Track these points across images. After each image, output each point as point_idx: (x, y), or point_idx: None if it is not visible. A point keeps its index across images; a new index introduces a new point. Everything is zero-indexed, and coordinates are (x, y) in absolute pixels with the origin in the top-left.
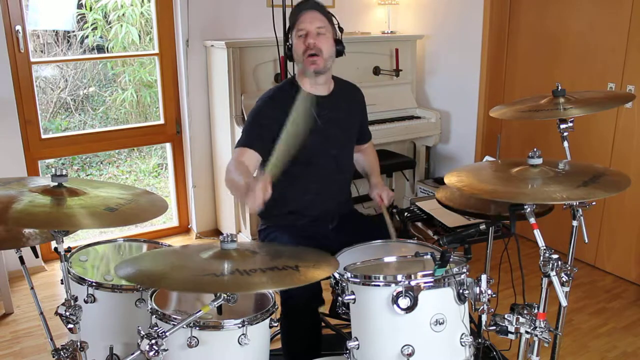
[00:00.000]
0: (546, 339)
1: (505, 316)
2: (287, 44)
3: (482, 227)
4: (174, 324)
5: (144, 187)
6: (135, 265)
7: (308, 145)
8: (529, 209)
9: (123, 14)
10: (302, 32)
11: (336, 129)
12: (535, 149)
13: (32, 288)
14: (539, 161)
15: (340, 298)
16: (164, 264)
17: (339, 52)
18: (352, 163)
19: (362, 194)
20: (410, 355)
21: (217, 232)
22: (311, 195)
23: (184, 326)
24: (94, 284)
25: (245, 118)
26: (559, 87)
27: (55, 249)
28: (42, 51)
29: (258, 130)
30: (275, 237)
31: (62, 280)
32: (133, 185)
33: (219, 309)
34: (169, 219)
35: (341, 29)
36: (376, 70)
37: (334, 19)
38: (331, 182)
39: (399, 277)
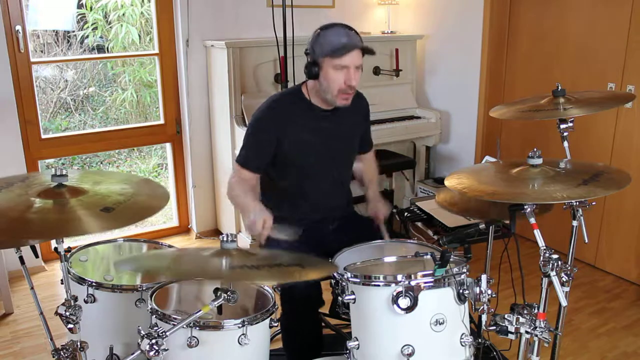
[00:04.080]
0: (546, 339)
1: (505, 316)
2: (311, 60)
3: (482, 226)
4: (174, 324)
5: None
6: (135, 260)
7: (310, 158)
8: (529, 209)
9: (123, 14)
10: (343, 67)
11: (339, 142)
12: (535, 149)
13: (32, 288)
14: (539, 161)
15: (340, 298)
16: (163, 258)
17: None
18: (351, 172)
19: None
20: (410, 355)
21: (217, 232)
22: (311, 204)
23: (184, 326)
24: (94, 284)
25: (245, 118)
26: (559, 87)
27: (55, 249)
28: (42, 51)
29: (255, 148)
30: (274, 238)
31: (62, 280)
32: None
33: (219, 309)
34: (169, 219)
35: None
36: (376, 70)
37: None
38: (331, 193)
39: (399, 277)
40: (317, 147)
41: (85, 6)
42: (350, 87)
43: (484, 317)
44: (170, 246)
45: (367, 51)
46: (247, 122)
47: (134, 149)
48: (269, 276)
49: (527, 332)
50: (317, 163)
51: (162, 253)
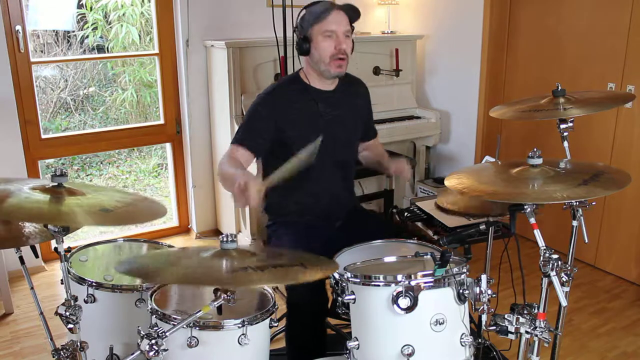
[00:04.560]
0: (546, 339)
1: (505, 316)
2: (301, 36)
3: (482, 227)
4: (174, 324)
5: (144, 188)
6: (134, 261)
7: (311, 141)
8: (529, 209)
9: (123, 14)
10: (331, 33)
11: (339, 124)
12: (535, 149)
13: (32, 288)
14: (539, 161)
15: (340, 298)
16: (163, 260)
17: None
18: (356, 159)
19: (366, 193)
20: (410, 355)
21: (217, 232)
22: (314, 192)
23: (184, 326)
24: (94, 284)
25: None
26: (559, 87)
27: (55, 249)
28: (42, 51)
29: (252, 130)
30: (280, 234)
31: (62, 280)
32: (133, 185)
33: (219, 309)
34: (169, 218)
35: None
36: (376, 70)
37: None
38: (334, 179)
39: (399, 277)
40: (318, 129)
41: (85, 6)
42: (341, 51)
43: (484, 317)
44: (170, 246)
45: (351, 11)
46: None
47: (134, 149)
48: (271, 278)
49: (527, 332)
50: (320, 146)
51: (162, 254)
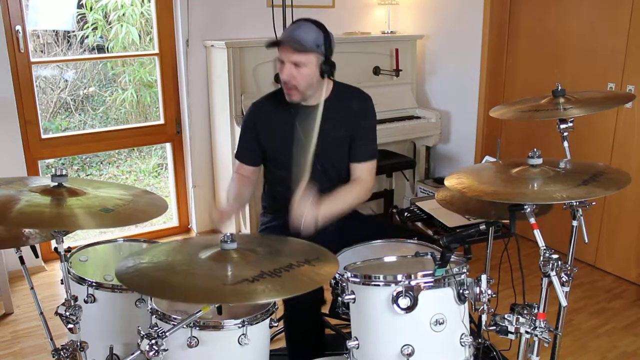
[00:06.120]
0: (546, 339)
1: (505, 316)
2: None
3: (482, 227)
4: (174, 324)
5: (144, 187)
6: (134, 270)
7: (288, 153)
8: (529, 209)
9: (123, 14)
10: (282, 61)
11: (319, 139)
12: (535, 149)
13: (32, 288)
14: (539, 161)
15: (340, 298)
16: (164, 268)
17: (326, 73)
18: (346, 169)
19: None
20: (410, 355)
21: (217, 232)
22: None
23: (184, 326)
24: (94, 284)
25: None
26: (559, 87)
27: (55, 249)
28: (42, 51)
29: (246, 143)
30: None
31: (62, 280)
32: (133, 185)
33: (219, 309)
34: (169, 219)
35: (331, 49)
36: (376, 70)
37: (322, 40)
38: (319, 189)
39: (399, 277)
40: (295, 142)
41: (85, 6)
42: (285, 82)
43: (484, 317)
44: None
45: (295, 44)
46: None
47: (134, 149)
48: (274, 292)
49: (527, 332)
50: (299, 159)
51: (161, 253)
